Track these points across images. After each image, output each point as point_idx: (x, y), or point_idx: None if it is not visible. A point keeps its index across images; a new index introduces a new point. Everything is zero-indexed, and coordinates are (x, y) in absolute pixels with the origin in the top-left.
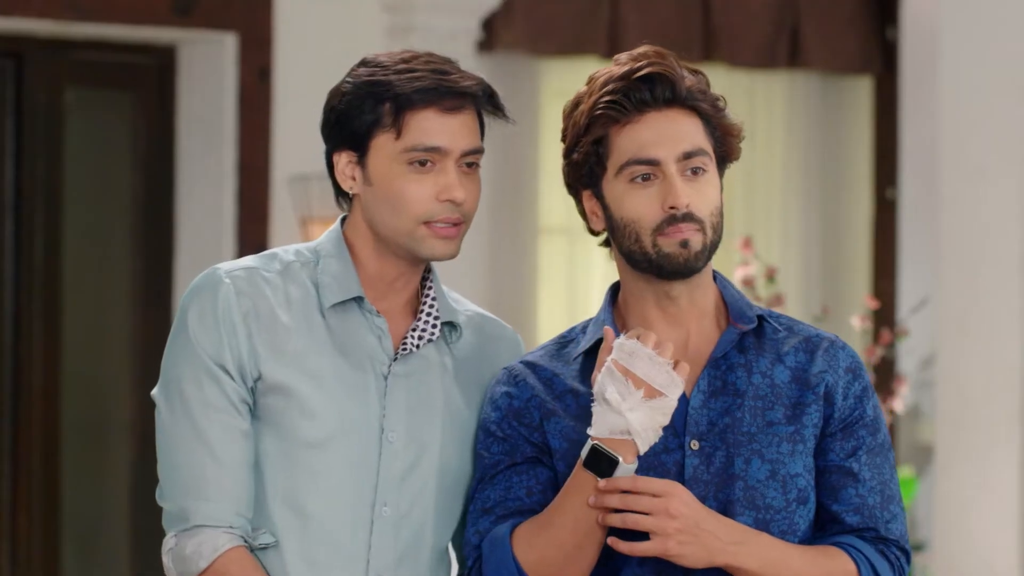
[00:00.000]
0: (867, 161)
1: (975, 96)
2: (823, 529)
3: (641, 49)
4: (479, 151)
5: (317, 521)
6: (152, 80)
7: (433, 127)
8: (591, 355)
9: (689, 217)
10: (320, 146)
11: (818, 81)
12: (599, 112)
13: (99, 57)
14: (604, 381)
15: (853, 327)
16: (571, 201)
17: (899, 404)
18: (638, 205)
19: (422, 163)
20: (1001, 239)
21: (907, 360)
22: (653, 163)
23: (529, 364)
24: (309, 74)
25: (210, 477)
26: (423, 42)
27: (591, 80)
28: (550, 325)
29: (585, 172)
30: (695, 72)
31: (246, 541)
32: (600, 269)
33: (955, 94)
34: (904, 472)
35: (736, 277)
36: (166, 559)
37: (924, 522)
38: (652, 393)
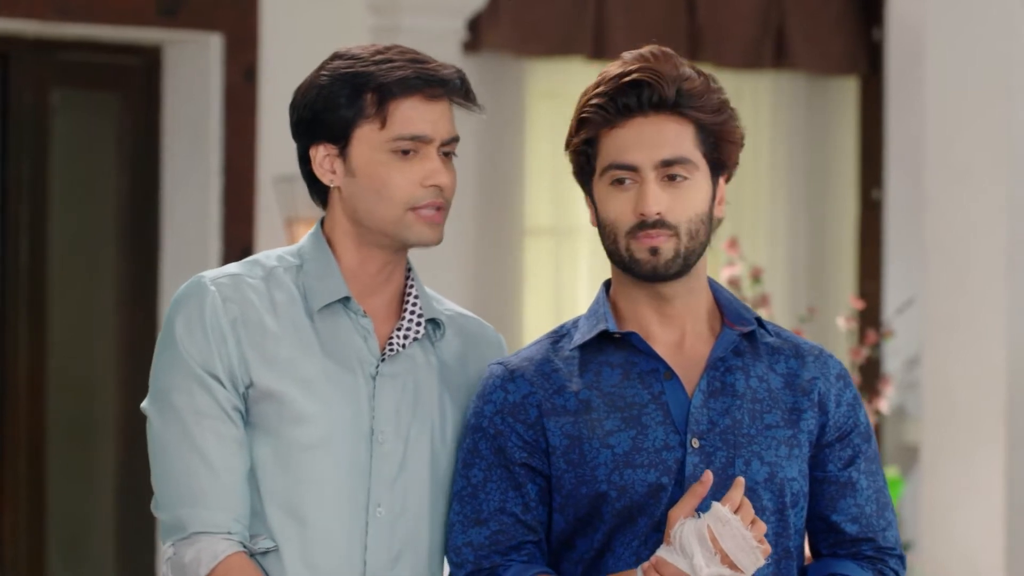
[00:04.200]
0: (853, 162)
1: (960, 97)
2: (818, 537)
3: (644, 50)
4: (457, 139)
5: (314, 524)
6: (138, 81)
7: (417, 116)
8: (586, 349)
9: (660, 224)
10: None
11: (804, 82)
12: (584, 116)
13: (85, 58)
14: (691, 539)
15: (839, 327)
16: (557, 203)
17: (884, 405)
18: (616, 208)
19: (405, 151)
20: (986, 239)
21: (892, 360)
22: (631, 168)
23: (526, 359)
24: (295, 75)
25: (205, 485)
26: (409, 43)
27: (599, 75)
28: (536, 326)
29: (578, 170)
30: (701, 75)
31: (245, 547)
32: (586, 270)
33: (941, 95)
34: (890, 473)
35: (722, 277)
36: (164, 568)
37: (910, 523)
38: (732, 566)
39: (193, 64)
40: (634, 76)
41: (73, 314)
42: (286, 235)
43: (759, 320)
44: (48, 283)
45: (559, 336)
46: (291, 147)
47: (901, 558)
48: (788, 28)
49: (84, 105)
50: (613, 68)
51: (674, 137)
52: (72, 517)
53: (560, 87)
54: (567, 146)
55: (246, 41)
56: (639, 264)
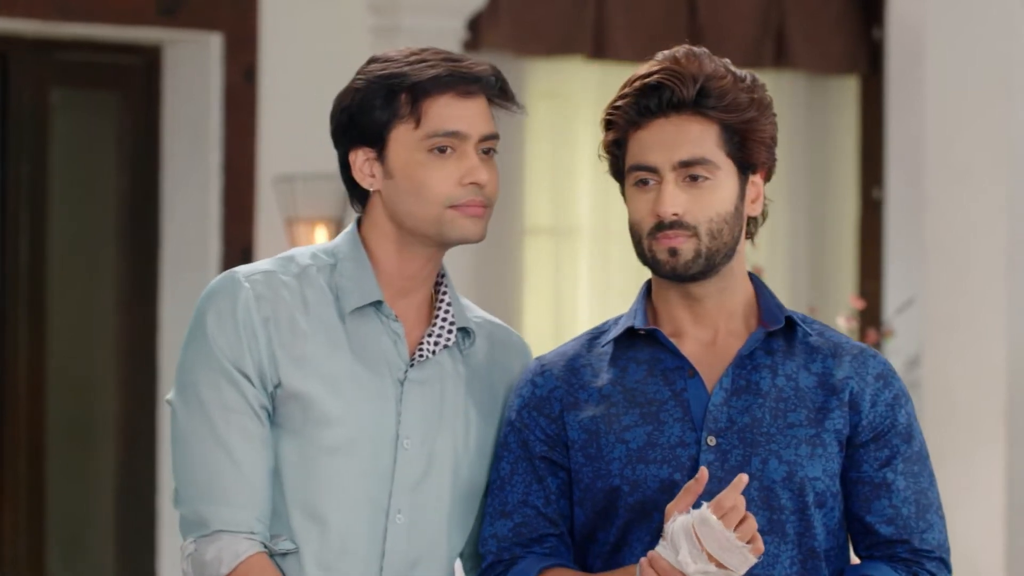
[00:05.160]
0: (853, 161)
1: (961, 96)
2: (856, 539)
3: (675, 50)
4: (496, 136)
5: (333, 527)
6: (137, 80)
7: (451, 113)
8: (618, 346)
9: (678, 224)
10: (305, 146)
11: (804, 81)
12: (608, 118)
13: (84, 57)
14: (679, 536)
15: (839, 327)
16: (557, 202)
17: None
18: (638, 208)
19: (442, 149)
20: (986, 239)
21: (893, 360)
22: (650, 169)
23: (560, 355)
24: (294, 74)
25: (229, 482)
26: (409, 42)
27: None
28: (535, 326)
29: (613, 171)
30: (730, 73)
31: (266, 547)
32: (586, 270)
33: (941, 94)
34: None
35: None
36: (184, 564)
37: None
38: (720, 565)
39: (193, 64)
40: (655, 78)
41: (73, 314)
42: (286, 235)
43: (791, 319)
44: (48, 283)
45: (598, 333)
46: (291, 147)
47: (942, 560)
48: (788, 28)
49: (84, 105)
50: (641, 69)
51: (695, 137)
52: (72, 517)
53: (560, 87)
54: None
55: (246, 41)
56: (660, 265)
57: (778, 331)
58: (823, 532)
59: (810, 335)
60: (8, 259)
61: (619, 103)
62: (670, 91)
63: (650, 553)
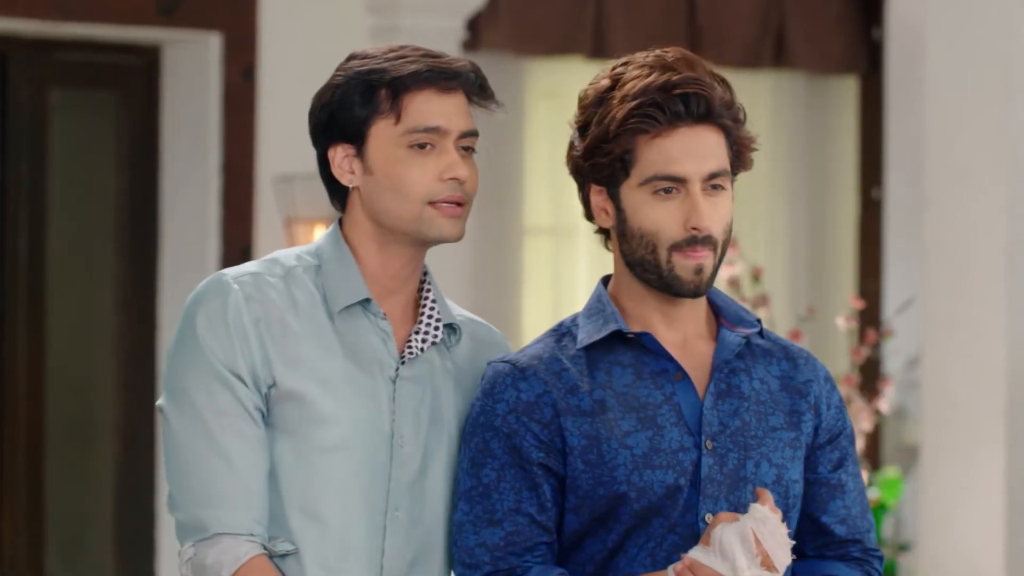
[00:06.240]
0: (853, 161)
1: (961, 96)
2: (806, 538)
3: (671, 55)
4: (475, 133)
5: (332, 527)
6: (137, 80)
7: (431, 108)
8: (593, 349)
9: (707, 240)
10: (305, 146)
11: (804, 81)
12: (632, 124)
13: (84, 57)
14: (732, 541)
15: (839, 327)
16: (556, 202)
17: (884, 404)
18: (659, 218)
19: (422, 145)
20: (986, 239)
21: (893, 360)
22: (678, 180)
23: (535, 357)
24: (294, 74)
25: (226, 485)
26: (408, 42)
27: (618, 81)
28: (535, 326)
29: (607, 175)
30: (722, 81)
31: (266, 549)
32: (585, 270)
33: (941, 94)
34: (890, 473)
35: (722, 277)
36: (184, 569)
37: (910, 522)
38: (770, 567)
39: (192, 64)
40: (681, 89)
41: (72, 314)
42: (285, 235)
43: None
44: (47, 283)
45: (561, 335)
46: (290, 147)
47: (881, 559)
48: (788, 28)
49: (83, 105)
50: (652, 75)
51: (715, 148)
52: (71, 517)
53: (560, 87)
54: (590, 151)
55: (245, 41)
56: (680, 282)
57: (753, 332)
58: (792, 533)
59: (759, 338)
60: (8, 259)
61: (640, 110)
62: (698, 100)
63: (687, 559)
